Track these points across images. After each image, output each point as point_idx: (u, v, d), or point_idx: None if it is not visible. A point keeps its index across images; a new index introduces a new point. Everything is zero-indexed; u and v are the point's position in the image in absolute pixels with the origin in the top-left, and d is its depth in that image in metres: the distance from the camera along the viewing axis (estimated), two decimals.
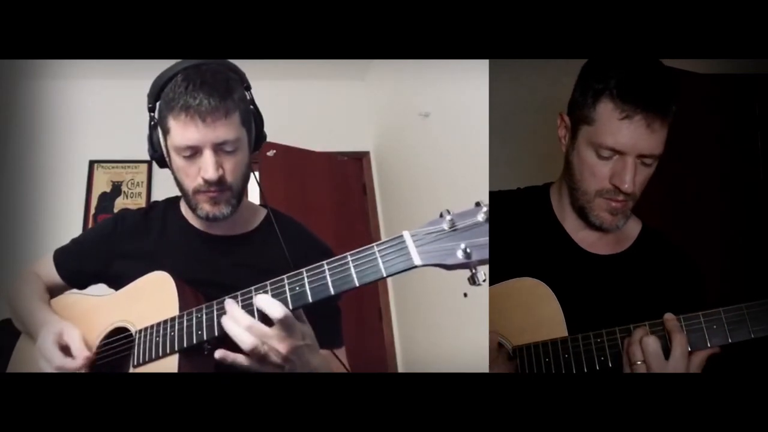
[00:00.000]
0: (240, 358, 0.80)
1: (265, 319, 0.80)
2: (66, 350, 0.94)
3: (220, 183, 0.97)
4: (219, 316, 0.83)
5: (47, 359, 0.94)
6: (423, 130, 2.84)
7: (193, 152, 0.95)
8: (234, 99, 0.96)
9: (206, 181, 0.96)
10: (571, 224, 1.11)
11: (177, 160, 0.98)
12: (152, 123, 1.03)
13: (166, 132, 0.98)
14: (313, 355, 0.85)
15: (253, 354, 0.79)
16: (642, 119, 0.94)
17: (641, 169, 0.98)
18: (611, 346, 0.95)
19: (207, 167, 0.95)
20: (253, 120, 1.05)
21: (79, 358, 0.92)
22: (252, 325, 0.80)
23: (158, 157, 1.04)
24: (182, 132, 0.94)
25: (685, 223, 2.09)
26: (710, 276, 1.13)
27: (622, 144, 0.95)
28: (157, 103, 1.00)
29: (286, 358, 0.80)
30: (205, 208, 0.99)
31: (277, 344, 0.80)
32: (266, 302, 0.79)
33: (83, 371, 0.92)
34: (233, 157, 0.98)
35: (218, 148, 0.95)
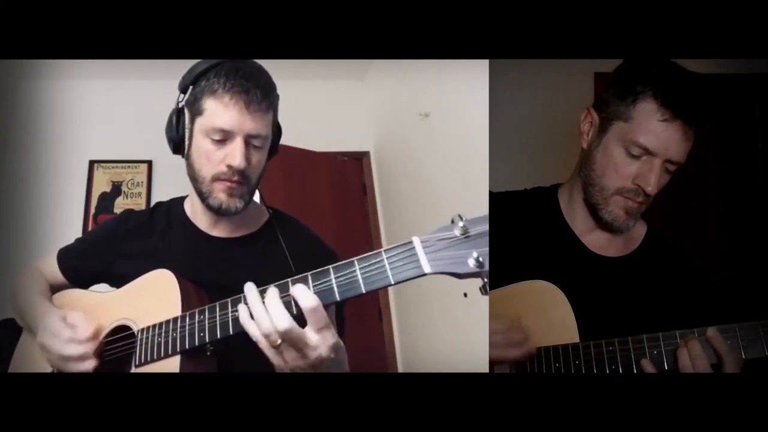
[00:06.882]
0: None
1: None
2: (72, 329, 0.95)
3: (243, 174, 0.97)
4: (222, 319, 0.83)
5: (55, 333, 0.94)
6: (423, 130, 2.84)
7: (224, 137, 0.95)
8: (274, 99, 1.00)
9: (231, 168, 0.96)
10: (581, 226, 1.10)
11: (203, 144, 0.97)
12: (179, 105, 1.02)
13: (197, 114, 0.97)
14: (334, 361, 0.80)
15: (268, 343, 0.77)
16: (680, 125, 0.96)
17: (663, 175, 0.99)
18: (623, 356, 0.95)
19: (235, 154, 0.95)
20: (275, 128, 1.06)
21: (88, 332, 0.93)
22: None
23: (178, 139, 1.02)
24: (222, 113, 0.94)
25: (685, 223, 2.10)
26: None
27: (655, 145, 0.97)
28: (191, 87, 0.99)
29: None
30: (220, 197, 0.99)
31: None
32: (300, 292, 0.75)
33: (91, 352, 0.93)
34: (258, 154, 0.99)
35: (249, 140, 0.96)
